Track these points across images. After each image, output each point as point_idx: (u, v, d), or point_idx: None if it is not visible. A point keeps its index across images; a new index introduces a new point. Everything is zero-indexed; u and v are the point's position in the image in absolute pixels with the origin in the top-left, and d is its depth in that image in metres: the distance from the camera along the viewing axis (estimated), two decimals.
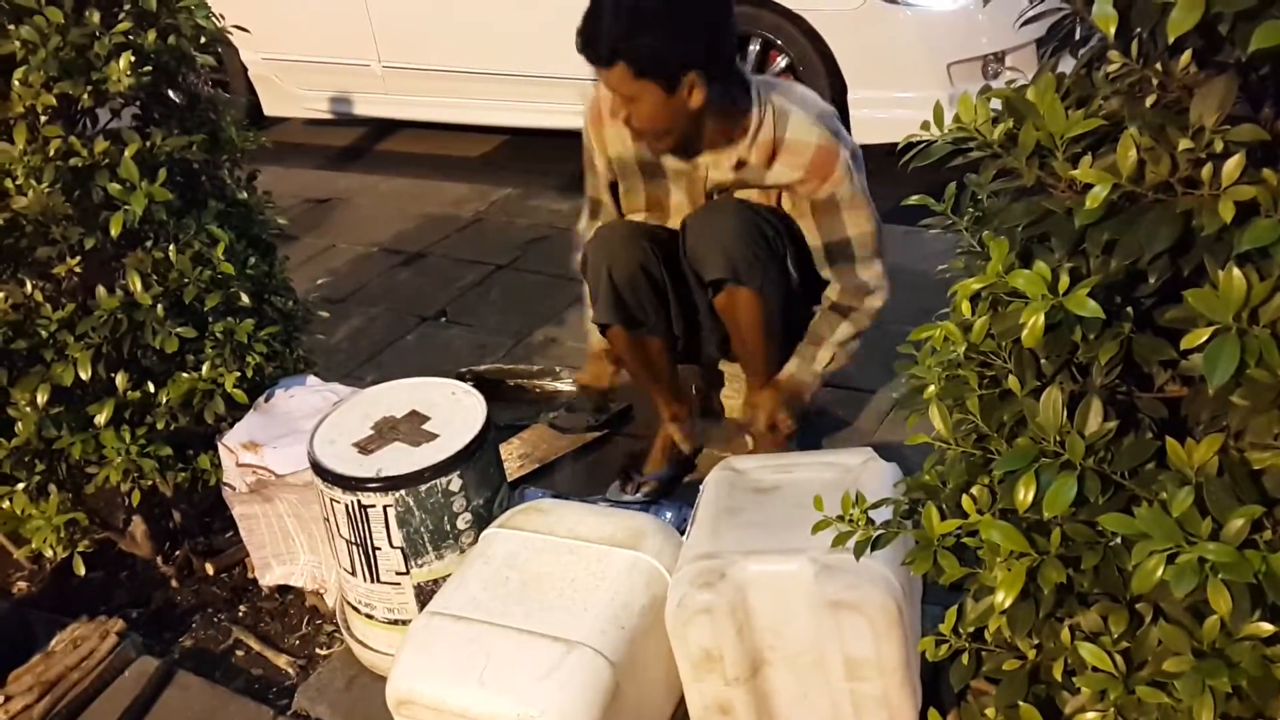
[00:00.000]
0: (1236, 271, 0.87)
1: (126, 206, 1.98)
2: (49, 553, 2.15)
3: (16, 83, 1.96)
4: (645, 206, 2.35)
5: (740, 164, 2.18)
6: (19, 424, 2.06)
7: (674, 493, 2.45)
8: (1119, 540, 1.02)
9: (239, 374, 2.17)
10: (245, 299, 2.20)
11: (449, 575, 1.88)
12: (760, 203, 2.22)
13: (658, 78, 2.02)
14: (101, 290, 2.07)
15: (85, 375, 2.03)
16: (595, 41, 2.02)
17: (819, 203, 2.18)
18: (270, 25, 4.90)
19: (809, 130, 2.14)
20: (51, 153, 1.96)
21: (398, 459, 1.93)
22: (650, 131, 2.12)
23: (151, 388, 2.15)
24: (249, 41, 5.14)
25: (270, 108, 5.25)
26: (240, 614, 2.31)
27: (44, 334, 2.05)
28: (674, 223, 2.30)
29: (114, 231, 1.98)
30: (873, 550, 1.35)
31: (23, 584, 2.45)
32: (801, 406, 2.34)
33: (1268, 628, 0.88)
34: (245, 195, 2.33)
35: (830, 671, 1.64)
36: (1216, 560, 0.85)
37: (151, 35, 2.05)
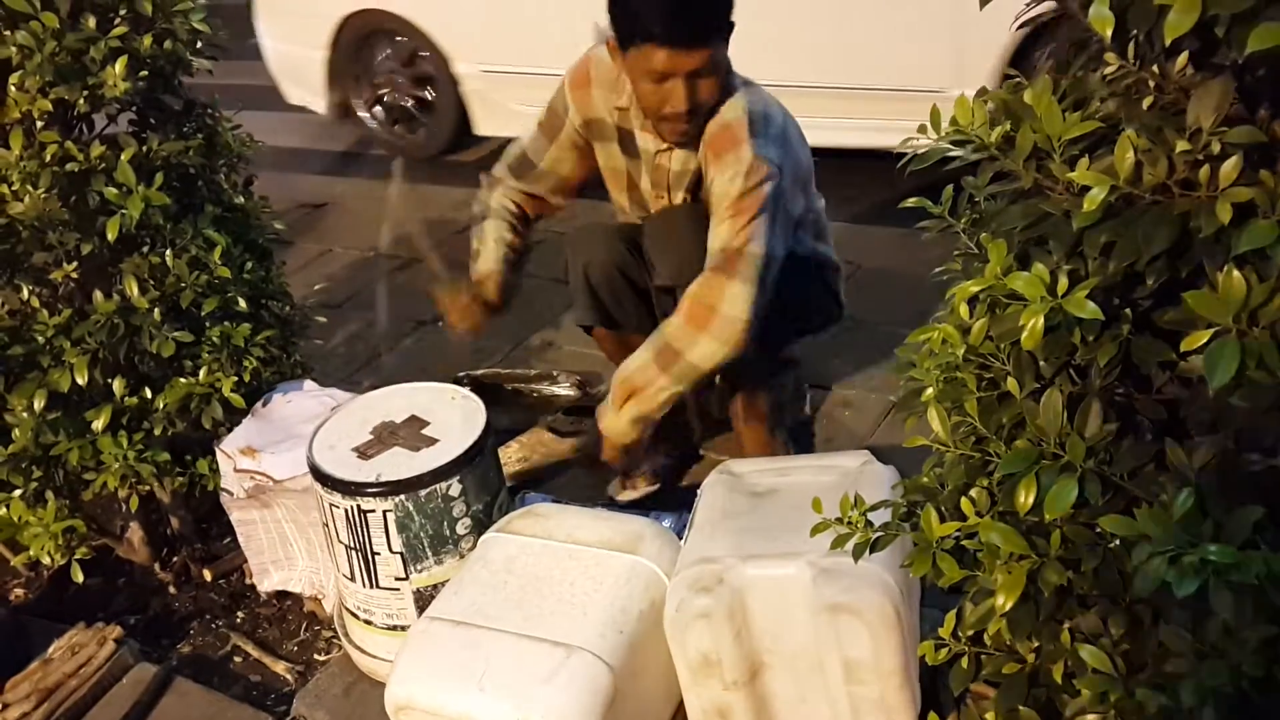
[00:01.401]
0: (1236, 273, 0.87)
1: (123, 211, 1.98)
2: (47, 560, 2.15)
3: (12, 88, 1.95)
4: (626, 181, 2.27)
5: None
6: (16, 430, 2.05)
7: (674, 489, 2.45)
8: (1119, 542, 1.02)
9: (236, 379, 2.17)
10: (242, 304, 2.20)
11: (448, 580, 1.87)
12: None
13: (726, 39, 1.96)
14: (98, 295, 2.07)
15: (82, 380, 2.03)
16: (693, 23, 1.91)
17: (710, 194, 2.02)
18: (493, 33, 4.36)
19: (730, 109, 2.02)
20: (48, 158, 1.96)
21: (397, 464, 1.93)
22: (706, 104, 1.99)
23: (149, 393, 2.14)
24: (467, 52, 4.50)
25: (483, 125, 4.62)
26: (238, 620, 2.31)
27: (41, 340, 2.04)
28: (653, 207, 2.27)
29: (110, 235, 1.98)
30: (871, 553, 1.35)
31: (20, 591, 2.44)
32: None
33: (1270, 629, 0.88)
34: (242, 200, 2.32)
35: (829, 675, 1.64)
36: (1219, 561, 0.85)
37: (147, 40, 2.05)
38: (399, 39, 4.67)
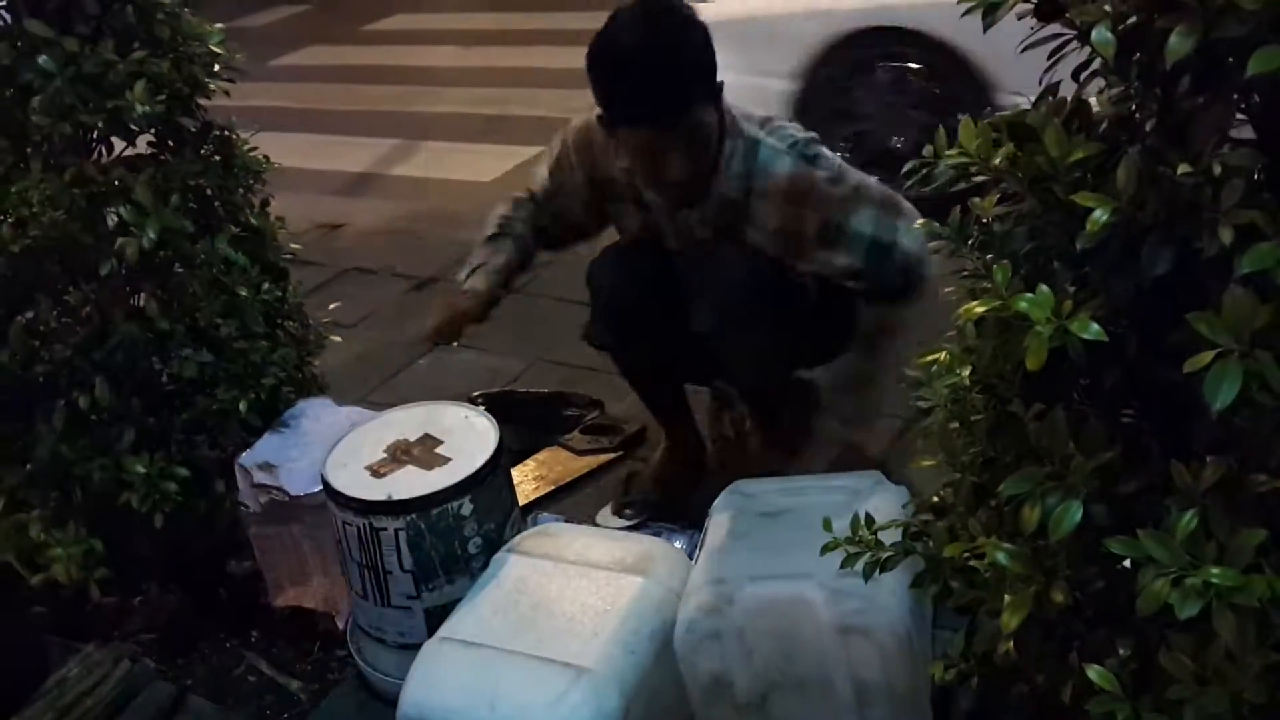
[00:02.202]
0: (1239, 294, 0.87)
1: (141, 233, 1.99)
2: (63, 577, 2.16)
3: (32, 112, 1.98)
4: (640, 228, 2.26)
5: (723, 204, 2.06)
6: (36, 450, 2.07)
7: (674, 514, 2.43)
8: (1127, 563, 1.02)
9: (253, 396, 2.19)
10: (260, 324, 2.22)
11: (460, 600, 1.88)
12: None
13: (715, 98, 1.96)
14: (119, 316, 2.09)
15: (104, 401, 2.05)
16: (666, 104, 1.90)
17: (817, 232, 2.04)
18: None
19: (779, 159, 2.02)
20: (67, 179, 1.98)
21: (409, 482, 1.94)
22: (699, 171, 1.99)
23: (166, 413, 2.16)
24: (1024, 77, 3.76)
25: None
26: (252, 639, 2.31)
27: (60, 359, 2.06)
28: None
29: (129, 256, 1.99)
30: (881, 573, 1.35)
31: (37, 609, 2.45)
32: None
33: (1274, 656, 0.87)
34: (258, 221, 2.34)
35: (840, 697, 1.64)
36: (1221, 584, 0.85)
37: (166, 64, 2.07)
38: (910, 64, 3.77)
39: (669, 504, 2.46)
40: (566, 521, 2.29)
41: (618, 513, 2.46)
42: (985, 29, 1.10)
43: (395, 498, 1.90)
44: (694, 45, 1.94)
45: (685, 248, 2.22)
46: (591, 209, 2.31)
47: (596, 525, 2.42)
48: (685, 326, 2.20)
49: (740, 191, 2.05)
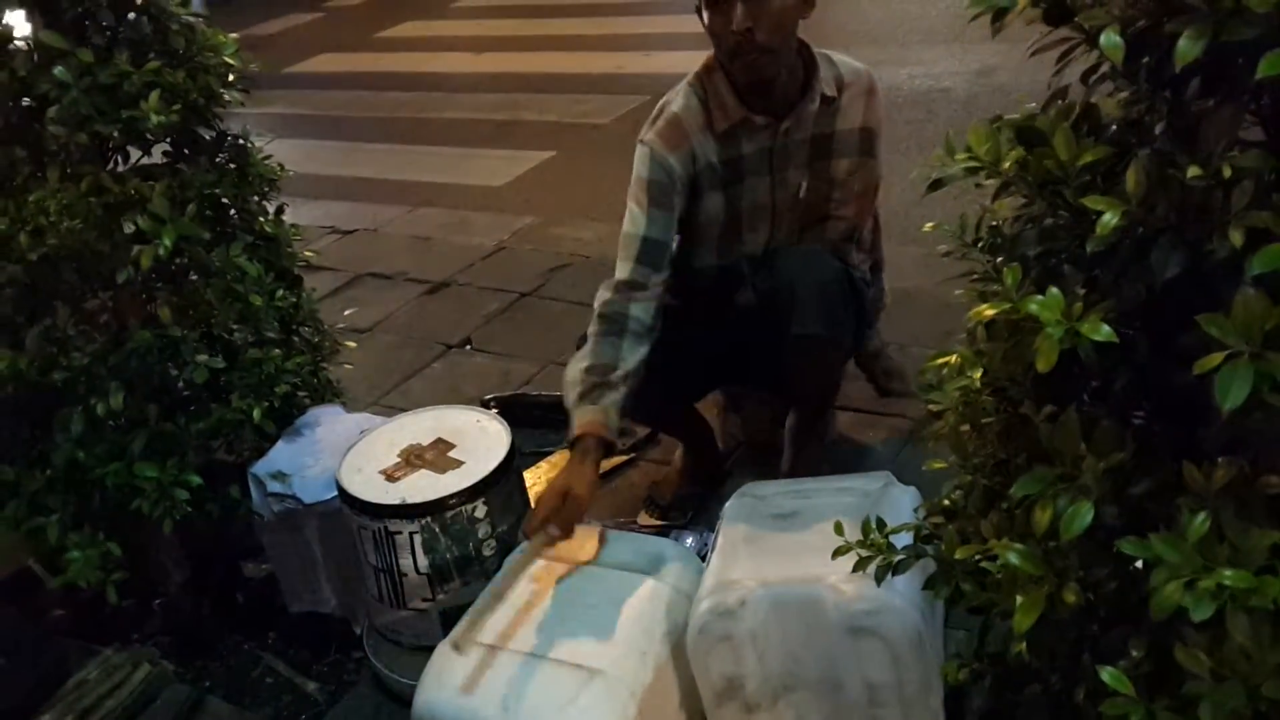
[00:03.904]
0: (1249, 296, 0.88)
1: (158, 241, 2.01)
2: (83, 582, 2.18)
3: (50, 122, 1.99)
4: (721, 230, 2.23)
5: (825, 102, 2.18)
6: (55, 455, 2.09)
7: (702, 512, 2.46)
8: (1140, 563, 1.02)
9: (267, 404, 2.20)
10: (274, 331, 2.23)
11: (474, 601, 1.89)
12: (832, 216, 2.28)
13: None
14: (134, 323, 2.11)
15: (117, 406, 2.06)
16: None
17: (873, 132, 2.26)
18: None
19: (852, 62, 2.26)
20: (84, 188, 2.00)
21: (424, 486, 1.95)
22: (770, 43, 2.04)
23: (182, 419, 2.18)
24: None
25: None
26: (270, 641, 2.33)
27: (77, 367, 2.08)
28: (750, 231, 2.26)
29: (144, 264, 2.01)
30: (892, 575, 1.35)
31: (58, 612, 2.47)
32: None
33: None
34: (273, 228, 2.35)
35: (851, 698, 1.64)
36: (1235, 587, 0.85)
37: (181, 74, 2.09)
38: None
39: (701, 502, 2.48)
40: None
41: (663, 517, 2.46)
42: (994, 34, 1.11)
43: (409, 501, 1.92)
44: None
45: (779, 190, 2.23)
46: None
47: (638, 525, 2.44)
48: (723, 342, 2.24)
49: (834, 89, 2.21)
